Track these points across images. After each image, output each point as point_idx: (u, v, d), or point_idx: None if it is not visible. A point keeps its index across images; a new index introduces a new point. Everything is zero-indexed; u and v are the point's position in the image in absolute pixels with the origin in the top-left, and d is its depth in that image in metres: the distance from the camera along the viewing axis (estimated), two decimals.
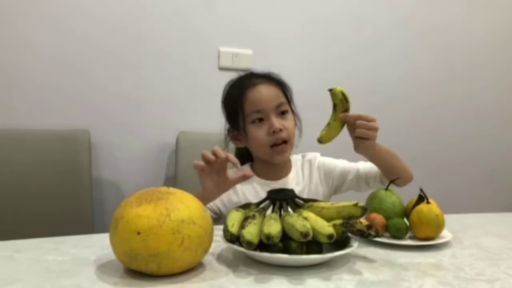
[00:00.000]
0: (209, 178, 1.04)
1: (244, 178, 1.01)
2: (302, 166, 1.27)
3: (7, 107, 1.65)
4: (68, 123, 1.69)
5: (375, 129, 1.06)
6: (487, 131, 2.32)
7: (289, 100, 1.22)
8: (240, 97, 1.17)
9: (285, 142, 1.15)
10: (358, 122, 1.05)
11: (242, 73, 1.25)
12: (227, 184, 1.05)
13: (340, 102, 1.05)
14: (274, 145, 1.15)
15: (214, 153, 1.01)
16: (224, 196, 1.16)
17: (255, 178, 1.22)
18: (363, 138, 1.06)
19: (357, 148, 1.10)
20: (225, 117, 1.24)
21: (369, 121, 1.05)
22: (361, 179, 1.22)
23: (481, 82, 2.30)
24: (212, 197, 1.09)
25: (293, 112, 1.23)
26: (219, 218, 1.20)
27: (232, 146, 1.28)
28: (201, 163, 1.01)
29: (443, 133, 2.25)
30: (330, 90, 1.05)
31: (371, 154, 1.12)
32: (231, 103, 1.21)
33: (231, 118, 1.22)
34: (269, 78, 1.20)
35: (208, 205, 1.14)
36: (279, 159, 1.18)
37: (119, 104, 1.77)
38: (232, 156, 1.00)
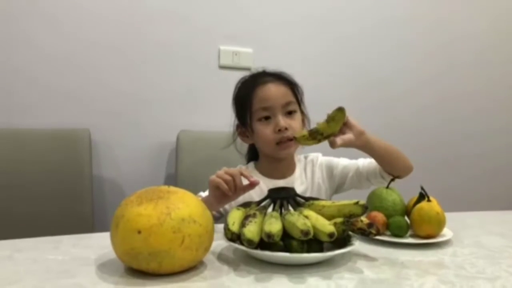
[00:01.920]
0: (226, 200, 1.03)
1: (251, 186, 1.00)
2: (305, 166, 1.28)
3: (7, 106, 1.65)
4: (69, 122, 1.69)
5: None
6: (488, 129, 2.32)
7: (299, 100, 1.23)
8: (250, 93, 1.18)
9: (290, 140, 1.16)
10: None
11: (255, 71, 1.26)
12: (236, 195, 1.04)
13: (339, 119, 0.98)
14: (279, 143, 1.15)
15: (232, 177, 0.98)
16: None
17: (260, 177, 1.22)
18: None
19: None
20: (234, 113, 1.25)
21: None
22: (362, 176, 1.22)
23: (481, 79, 2.30)
24: (219, 208, 1.12)
25: (302, 113, 1.24)
26: (222, 216, 1.20)
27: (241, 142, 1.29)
28: (225, 187, 0.98)
29: (444, 131, 2.25)
30: (340, 109, 0.98)
31: (364, 145, 1.11)
32: (241, 99, 1.22)
33: (240, 115, 1.23)
34: (280, 78, 1.21)
35: None
36: (284, 154, 1.19)
37: (119, 103, 1.77)
38: (246, 171, 0.99)
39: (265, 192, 1.16)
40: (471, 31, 2.26)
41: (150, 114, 1.81)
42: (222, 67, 1.89)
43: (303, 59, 2.00)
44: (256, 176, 1.17)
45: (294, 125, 1.16)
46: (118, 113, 1.77)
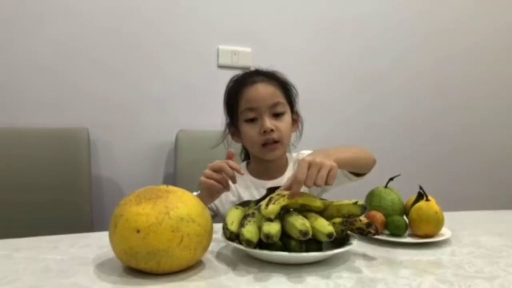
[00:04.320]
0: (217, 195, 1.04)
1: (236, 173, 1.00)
2: (294, 165, 1.26)
3: (6, 105, 1.65)
4: (68, 122, 1.69)
5: (328, 169, 0.88)
6: (487, 130, 2.32)
7: (292, 101, 1.21)
8: (237, 93, 1.17)
9: (276, 142, 1.14)
10: (310, 183, 0.87)
11: (247, 70, 1.24)
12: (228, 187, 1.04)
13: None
14: (265, 144, 1.14)
15: (220, 170, 0.98)
16: (223, 195, 1.16)
17: (251, 179, 1.21)
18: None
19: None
20: (225, 113, 1.24)
21: (314, 171, 0.87)
22: None
23: (483, 82, 2.30)
24: (212, 202, 1.11)
25: (294, 113, 1.22)
26: (215, 215, 1.20)
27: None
28: (219, 187, 0.98)
29: (443, 131, 2.25)
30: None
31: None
32: (229, 99, 1.21)
33: (229, 114, 1.22)
34: (271, 77, 1.19)
35: None
36: (270, 156, 1.16)
37: (118, 103, 1.77)
38: (234, 164, 0.98)
39: (255, 194, 1.17)
40: (474, 37, 2.26)
41: (149, 114, 1.81)
42: (221, 67, 1.89)
43: (302, 59, 2.00)
44: (246, 177, 1.19)
45: (281, 126, 1.14)
46: (117, 113, 1.77)
